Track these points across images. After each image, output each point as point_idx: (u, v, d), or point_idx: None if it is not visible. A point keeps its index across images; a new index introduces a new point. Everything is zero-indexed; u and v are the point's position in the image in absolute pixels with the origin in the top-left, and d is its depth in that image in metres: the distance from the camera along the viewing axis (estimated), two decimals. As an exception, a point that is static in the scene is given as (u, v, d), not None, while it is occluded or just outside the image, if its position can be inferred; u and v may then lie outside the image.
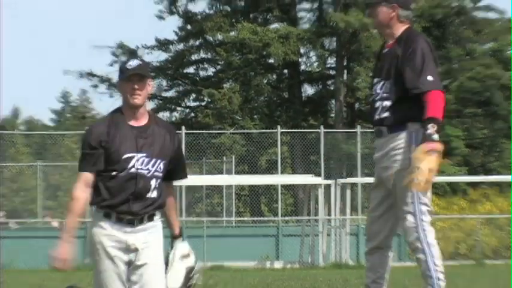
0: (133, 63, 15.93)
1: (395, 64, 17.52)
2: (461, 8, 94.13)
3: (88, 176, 15.42)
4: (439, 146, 17.17)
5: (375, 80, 18.17)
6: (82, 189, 15.32)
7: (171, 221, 16.22)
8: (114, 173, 15.28)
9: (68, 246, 15.05)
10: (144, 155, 15.53)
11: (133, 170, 15.41)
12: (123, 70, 15.65)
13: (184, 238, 16.61)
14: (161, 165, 15.57)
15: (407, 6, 19.18)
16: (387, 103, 17.96)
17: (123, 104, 15.86)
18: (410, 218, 16.52)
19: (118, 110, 16.24)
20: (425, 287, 17.05)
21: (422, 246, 16.51)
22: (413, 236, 16.53)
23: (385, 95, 18.00)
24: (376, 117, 17.96)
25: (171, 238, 16.42)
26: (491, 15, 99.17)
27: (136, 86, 15.42)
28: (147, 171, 15.49)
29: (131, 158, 15.47)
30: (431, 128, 16.90)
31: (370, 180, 27.33)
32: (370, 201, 19.60)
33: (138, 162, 15.69)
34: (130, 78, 15.47)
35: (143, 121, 15.63)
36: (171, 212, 16.10)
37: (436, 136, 17.10)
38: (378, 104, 17.90)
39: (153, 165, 15.74)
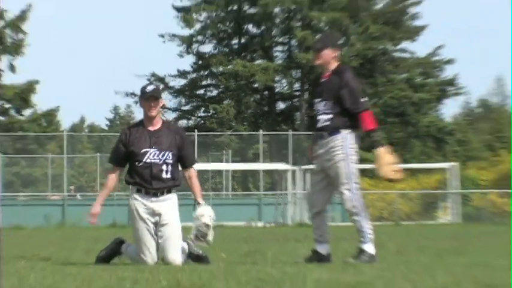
0: (150, 87, 19.59)
1: (333, 89, 18.80)
2: (385, 50, 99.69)
3: (114, 166, 19.56)
4: (388, 148, 19.51)
5: (316, 100, 19.57)
6: (110, 174, 19.64)
7: (194, 192, 19.32)
8: (137, 163, 18.54)
9: (97, 207, 18.99)
10: (156, 149, 18.66)
11: (148, 160, 18.54)
12: (143, 92, 19.24)
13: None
14: (170, 155, 18.83)
15: (340, 48, 22.59)
16: (328, 116, 19.15)
17: (144, 115, 19.44)
18: (347, 192, 18.13)
19: (141, 120, 19.85)
20: (359, 239, 18.77)
21: (356, 211, 18.30)
22: (350, 204, 18.15)
23: (326, 110, 19.18)
24: (319, 125, 19.28)
25: (194, 204, 19.52)
26: (405, 54, 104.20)
27: (152, 104, 19.03)
28: (158, 160, 18.66)
29: (146, 152, 18.62)
30: (378, 137, 19.52)
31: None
32: (311, 180, 21.86)
33: (151, 155, 18.62)
34: (148, 99, 19.20)
35: (157, 126, 19.07)
36: (193, 187, 19.20)
37: (382, 141, 19.75)
38: (320, 117, 19.25)
39: (163, 156, 18.64)
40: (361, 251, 17.75)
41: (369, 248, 17.84)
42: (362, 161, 59.85)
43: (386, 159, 18.52)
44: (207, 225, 18.52)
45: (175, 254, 18.28)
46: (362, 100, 18.46)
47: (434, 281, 11.34)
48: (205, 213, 18.56)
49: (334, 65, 18.50)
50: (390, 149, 19.42)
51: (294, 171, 65.03)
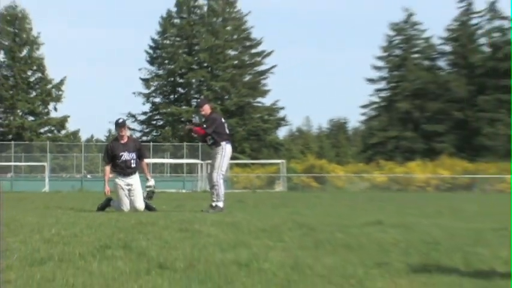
0: (120, 120, 19.46)
1: (211, 124, 18.30)
2: (248, 102, 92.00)
3: (106, 163, 18.84)
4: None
5: (204, 126, 18.78)
6: (105, 167, 18.85)
7: (144, 173, 19.15)
8: (117, 160, 18.37)
9: (107, 186, 18.45)
10: (126, 152, 18.61)
11: (123, 158, 18.49)
12: (116, 123, 19.19)
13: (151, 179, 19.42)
14: (134, 155, 18.72)
15: (211, 104, 22.55)
16: (213, 136, 18.29)
17: (117, 135, 19.14)
18: (215, 173, 17.86)
19: (116, 137, 19.46)
20: (216, 199, 18.11)
21: (217, 185, 17.87)
22: (215, 180, 17.81)
23: (213, 133, 18.33)
24: (210, 142, 18.52)
25: (146, 180, 19.31)
26: (259, 104, 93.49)
27: (122, 129, 18.87)
28: (129, 158, 18.63)
29: (122, 154, 18.55)
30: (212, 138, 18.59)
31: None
32: (208, 167, 22.06)
33: (125, 155, 18.55)
34: (120, 126, 18.97)
35: (125, 140, 18.79)
36: (144, 170, 19.05)
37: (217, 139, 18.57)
38: (210, 135, 18.38)
39: (131, 156, 18.53)
40: (216, 206, 17.83)
41: (221, 204, 17.90)
42: (235, 158, 54.89)
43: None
44: (152, 191, 19.06)
45: (140, 204, 18.51)
46: (209, 129, 18.34)
47: (271, 221, 12.40)
48: (151, 184, 19.06)
49: (209, 111, 18.49)
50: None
51: (201, 164, 59.49)
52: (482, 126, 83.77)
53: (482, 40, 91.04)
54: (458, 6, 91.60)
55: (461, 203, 26.05)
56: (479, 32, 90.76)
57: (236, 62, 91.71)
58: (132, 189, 18.58)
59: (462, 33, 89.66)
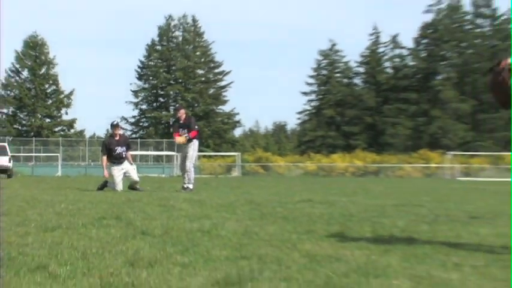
0: (114, 122, 19.17)
1: (188, 125, 18.04)
2: (213, 109, 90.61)
3: (103, 154, 18.66)
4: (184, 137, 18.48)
5: (181, 129, 18.36)
6: (103, 157, 18.57)
7: (129, 160, 18.39)
8: (113, 153, 18.08)
9: (106, 171, 18.20)
10: (119, 147, 18.27)
11: (117, 151, 18.20)
12: (111, 124, 18.96)
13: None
14: (125, 148, 18.45)
15: (186, 109, 22.47)
16: (187, 134, 17.89)
17: (112, 133, 18.81)
18: (188, 162, 17.47)
19: (111, 134, 19.03)
20: (187, 181, 17.84)
21: (189, 171, 17.58)
22: (188, 167, 17.39)
23: (186, 133, 17.84)
24: (188, 137, 17.96)
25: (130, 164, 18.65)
26: (220, 110, 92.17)
27: (116, 129, 18.67)
28: (121, 151, 18.36)
29: (116, 148, 18.26)
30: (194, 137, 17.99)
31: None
32: (180, 157, 19.53)
33: (118, 149, 18.30)
34: (114, 127, 18.80)
35: (118, 137, 18.48)
36: (129, 158, 18.41)
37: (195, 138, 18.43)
38: (185, 134, 17.87)
39: (122, 149, 18.31)
40: (187, 187, 17.66)
41: (191, 186, 17.75)
42: (202, 151, 53.41)
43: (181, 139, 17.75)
44: (134, 179, 18.46)
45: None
46: (195, 127, 18.16)
47: (228, 199, 12.32)
48: (134, 168, 18.94)
49: (184, 115, 18.36)
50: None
51: (177, 155, 53.21)
52: (386, 128, 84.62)
53: (387, 64, 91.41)
54: (369, 38, 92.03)
55: (371, 185, 26.22)
56: (384, 57, 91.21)
57: (203, 78, 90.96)
58: (126, 170, 18.30)
59: (372, 58, 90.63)
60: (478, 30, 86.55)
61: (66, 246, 5.13)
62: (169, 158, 68.51)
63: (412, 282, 3.46)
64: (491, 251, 4.83)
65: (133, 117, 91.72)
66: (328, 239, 5.56)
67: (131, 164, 18.86)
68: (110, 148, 18.45)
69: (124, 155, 18.52)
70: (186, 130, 18.13)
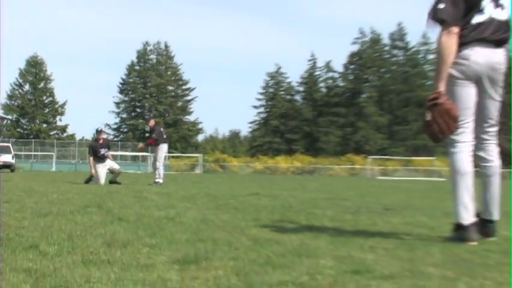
0: (99, 128, 19.04)
1: (151, 132, 18.09)
2: (179, 119, 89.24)
3: (90, 155, 18.42)
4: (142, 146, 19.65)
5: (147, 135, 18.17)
6: (90, 158, 18.35)
7: (109, 157, 18.32)
8: (98, 154, 17.96)
9: (92, 169, 18.07)
10: (103, 149, 18.10)
11: (101, 152, 18.03)
12: (97, 130, 19.02)
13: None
14: (106, 149, 18.30)
15: (156, 119, 21.72)
16: (148, 140, 18.52)
17: (97, 137, 18.76)
18: (157, 162, 17.14)
19: (96, 138, 18.99)
20: (158, 177, 17.37)
21: (159, 169, 17.05)
22: (157, 166, 17.01)
23: (156, 138, 17.82)
24: (156, 142, 17.84)
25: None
26: (187, 120, 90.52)
27: (100, 134, 18.62)
28: (104, 152, 18.20)
29: (100, 150, 18.09)
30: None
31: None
32: (152, 158, 19.84)
33: (102, 151, 18.17)
34: (98, 132, 18.78)
35: (102, 141, 18.40)
36: (109, 157, 18.34)
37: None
38: (156, 139, 17.81)
39: (104, 150, 18.13)
40: (157, 182, 17.09)
41: (160, 181, 17.22)
42: (171, 152, 53.00)
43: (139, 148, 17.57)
44: (116, 169, 18.64)
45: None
46: (153, 136, 17.86)
47: (191, 192, 12.09)
48: (113, 163, 18.94)
49: (153, 124, 18.14)
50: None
51: (150, 156, 52.30)
52: (320, 136, 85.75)
53: (321, 84, 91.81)
54: (308, 63, 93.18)
55: (307, 182, 26.11)
56: (320, 79, 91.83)
57: (173, 93, 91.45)
58: (109, 166, 18.28)
59: (310, 79, 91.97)
60: (394, 59, 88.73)
61: (55, 229, 5.08)
62: (144, 158, 67.10)
63: (335, 262, 3.47)
64: (400, 237, 4.86)
65: (115, 123, 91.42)
66: (270, 226, 5.53)
67: (111, 159, 18.74)
68: (96, 150, 18.35)
69: (106, 155, 18.34)
70: (151, 136, 17.95)
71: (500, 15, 4.29)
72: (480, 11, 4.27)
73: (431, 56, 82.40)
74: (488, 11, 4.28)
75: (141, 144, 18.24)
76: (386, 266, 3.35)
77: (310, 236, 4.73)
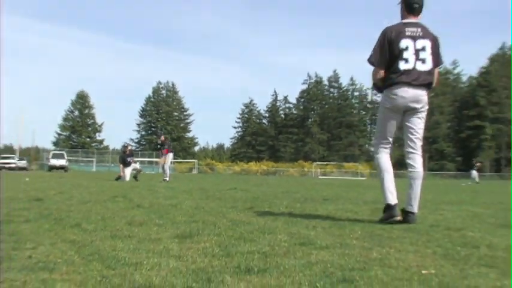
0: (125, 144, 18.10)
1: (163, 145, 17.17)
2: (181, 135, 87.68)
3: (121, 163, 17.14)
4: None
5: (160, 146, 17.32)
6: (121, 165, 17.16)
7: (134, 162, 17.14)
8: (125, 161, 16.61)
9: (121, 171, 17.02)
10: (128, 157, 16.81)
11: (128, 160, 16.64)
12: (123, 145, 17.89)
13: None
14: (131, 157, 16.89)
15: None
16: (163, 151, 17.27)
17: (124, 149, 17.69)
18: (165, 165, 16.24)
19: (124, 150, 17.87)
20: (138, 173, 16.80)
21: (166, 170, 16.21)
22: (166, 168, 16.20)
23: (163, 149, 17.00)
24: (163, 154, 16.99)
25: (135, 163, 17.55)
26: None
27: (125, 148, 17.46)
28: (130, 159, 16.74)
29: (127, 158, 16.80)
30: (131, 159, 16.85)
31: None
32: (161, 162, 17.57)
33: (128, 158, 16.75)
34: (124, 147, 17.54)
35: (128, 151, 16.98)
36: (132, 162, 17.06)
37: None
38: (162, 151, 17.01)
39: (130, 158, 16.56)
40: (165, 180, 16.29)
41: (167, 178, 16.50)
42: (176, 158, 52.58)
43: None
44: (137, 170, 17.79)
45: (138, 167, 18.01)
46: (166, 147, 17.16)
47: (189, 186, 11.10)
48: (137, 167, 18.05)
49: (163, 139, 17.53)
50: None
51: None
52: (280, 148, 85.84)
53: (281, 111, 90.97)
54: (271, 97, 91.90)
55: (270, 180, 25.84)
56: (280, 108, 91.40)
57: (177, 118, 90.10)
58: (133, 167, 17.62)
59: (273, 107, 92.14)
60: (331, 94, 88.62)
61: (93, 212, 4.99)
62: (156, 162, 64.00)
63: (288, 237, 3.42)
64: (333, 219, 4.79)
65: (137, 138, 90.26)
66: (243, 211, 5.45)
67: (134, 163, 18.14)
68: (124, 159, 17.82)
69: (131, 161, 17.74)
70: (162, 148, 17.44)
71: (422, 67, 4.27)
72: (405, 60, 4.25)
73: (356, 93, 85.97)
74: (412, 62, 4.26)
75: (161, 159, 17.88)
76: (324, 239, 3.33)
77: (271, 219, 4.66)
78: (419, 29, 4.29)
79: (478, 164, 33.86)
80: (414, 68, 4.28)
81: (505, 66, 68.49)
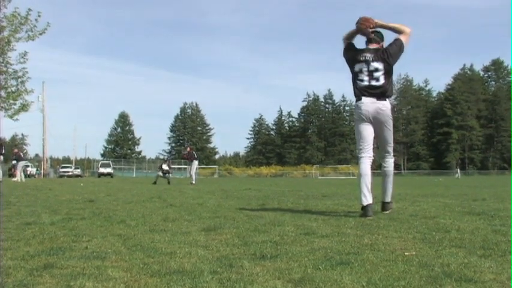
0: (165, 158, 21.16)
1: (192, 154, 16.61)
2: (204, 146, 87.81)
3: (158, 170, 17.83)
4: None
5: (187, 156, 16.87)
6: (159, 172, 16.74)
7: (169, 168, 16.98)
8: (163, 169, 16.46)
9: (159, 177, 17.47)
10: (164, 165, 16.52)
11: (165, 168, 16.47)
12: (163, 159, 17.57)
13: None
14: (167, 165, 16.77)
15: None
16: (192, 157, 16.90)
17: (163, 162, 17.49)
18: (192, 170, 15.20)
19: (163, 162, 17.38)
20: (193, 181, 15.90)
21: (193, 174, 15.03)
22: (192, 173, 14.89)
23: (191, 158, 16.55)
24: (192, 159, 16.62)
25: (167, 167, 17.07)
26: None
27: (164, 162, 17.07)
28: (166, 167, 16.59)
29: (164, 167, 16.54)
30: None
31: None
32: (188, 168, 17.47)
33: (164, 165, 16.78)
34: (164, 161, 17.37)
35: (167, 161, 17.12)
36: (169, 169, 16.82)
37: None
38: (194, 157, 16.72)
39: (166, 167, 16.44)
40: (192, 183, 15.50)
41: (194, 182, 15.57)
42: (201, 165, 53.28)
43: None
44: (168, 173, 17.32)
45: (171, 173, 17.62)
46: (193, 156, 16.62)
47: (212, 188, 10.73)
48: (169, 170, 17.38)
49: (189, 150, 17.19)
50: None
51: (188, 167, 54.29)
52: (285, 154, 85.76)
53: (286, 124, 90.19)
54: (277, 113, 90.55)
55: (279, 181, 25.50)
56: (285, 121, 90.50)
57: (200, 131, 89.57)
58: (166, 173, 17.35)
59: (279, 121, 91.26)
60: (326, 110, 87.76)
61: (135, 211, 4.95)
62: (185, 168, 65.55)
63: (295, 228, 3.37)
64: (331, 212, 4.73)
65: (168, 149, 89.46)
66: (257, 207, 5.38)
67: (167, 169, 17.80)
68: (162, 167, 17.61)
69: (167, 168, 17.51)
70: (189, 156, 17.23)
71: (377, 83, 4.17)
72: (361, 80, 4.20)
73: (347, 108, 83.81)
74: (367, 81, 4.19)
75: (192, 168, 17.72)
76: (324, 229, 3.30)
77: (280, 213, 4.60)
78: (372, 54, 4.21)
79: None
80: (370, 85, 4.21)
81: (465, 83, 74.36)
